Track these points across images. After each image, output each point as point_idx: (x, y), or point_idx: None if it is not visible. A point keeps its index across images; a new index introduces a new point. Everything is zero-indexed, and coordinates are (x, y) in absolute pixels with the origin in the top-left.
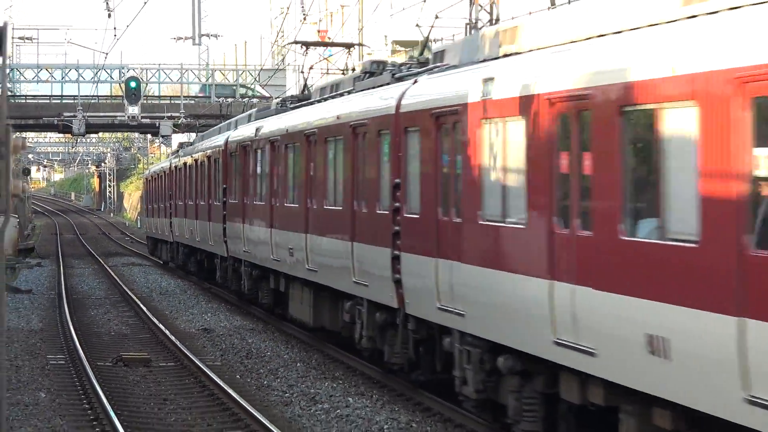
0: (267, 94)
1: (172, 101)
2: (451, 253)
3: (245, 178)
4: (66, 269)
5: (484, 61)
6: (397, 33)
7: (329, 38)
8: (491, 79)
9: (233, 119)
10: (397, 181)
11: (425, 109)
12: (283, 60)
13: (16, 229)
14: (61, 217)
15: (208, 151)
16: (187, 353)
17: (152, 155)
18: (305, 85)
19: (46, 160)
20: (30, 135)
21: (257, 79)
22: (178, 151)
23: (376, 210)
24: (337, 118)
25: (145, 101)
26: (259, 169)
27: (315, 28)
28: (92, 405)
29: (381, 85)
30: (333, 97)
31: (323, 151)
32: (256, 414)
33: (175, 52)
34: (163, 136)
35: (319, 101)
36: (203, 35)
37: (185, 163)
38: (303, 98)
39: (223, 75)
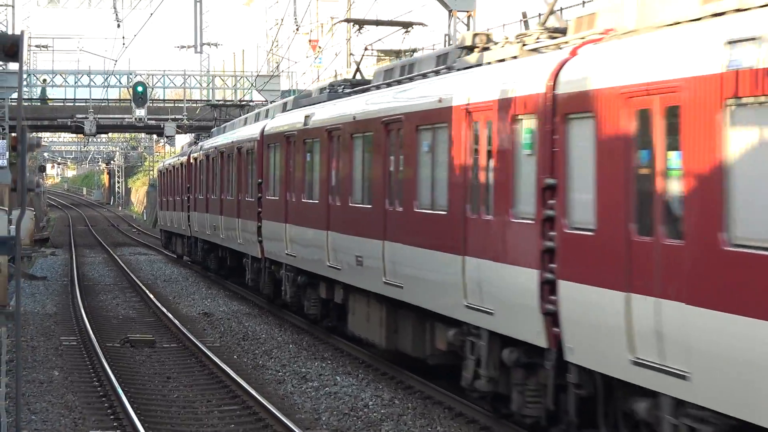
0: (263, 98)
1: (176, 104)
2: (662, 287)
3: (289, 173)
4: (78, 258)
5: (679, 22)
6: (380, 42)
7: (320, 47)
8: (751, 40)
9: (264, 108)
10: (551, 182)
11: (608, 88)
12: (277, 67)
13: (33, 220)
14: (74, 211)
15: (239, 142)
16: (189, 335)
17: (157, 153)
18: (357, 69)
19: (60, 158)
20: (45, 135)
21: (254, 84)
22: (196, 141)
23: (509, 218)
24: (439, 101)
25: (151, 104)
26: (309, 163)
27: (307, 38)
28: (102, 382)
29: (503, 60)
30: (411, 79)
31: (412, 141)
32: (251, 391)
33: (179, 59)
34: (167, 137)
35: (389, 84)
36: (204, 44)
37: (207, 155)
38: (359, 83)
39: (223, 81)
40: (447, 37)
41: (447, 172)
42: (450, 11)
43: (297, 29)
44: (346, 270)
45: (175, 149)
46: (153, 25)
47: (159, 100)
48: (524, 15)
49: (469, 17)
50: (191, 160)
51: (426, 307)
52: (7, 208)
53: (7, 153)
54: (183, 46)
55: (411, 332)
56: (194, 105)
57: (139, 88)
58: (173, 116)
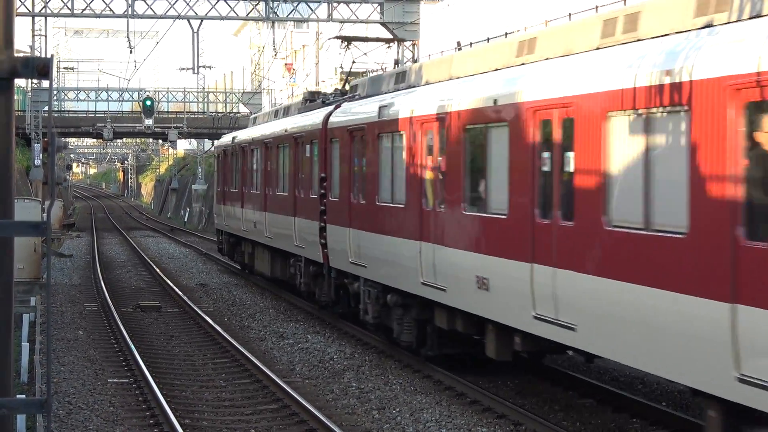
0: (248, 110)
1: (177, 115)
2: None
3: None
4: (98, 239)
5: None
6: (345, 66)
7: (294, 69)
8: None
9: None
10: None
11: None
12: (259, 85)
13: (61, 209)
14: (95, 201)
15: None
16: (188, 302)
17: (162, 155)
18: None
19: (83, 158)
20: (71, 140)
21: (240, 99)
22: (322, 100)
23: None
24: None
25: (157, 115)
26: None
27: (283, 62)
28: (118, 340)
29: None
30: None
31: None
32: (239, 347)
33: (180, 78)
34: (170, 141)
35: None
36: (200, 66)
37: (416, 131)
38: None
39: (215, 96)
40: (396, 62)
41: None
42: (399, 40)
43: (275, 55)
44: None
45: (177, 152)
46: (159, 51)
47: (164, 111)
48: (458, 44)
49: (414, 45)
50: (329, 138)
51: None
52: (40, 199)
53: (41, 154)
54: (183, 68)
55: None
56: (192, 116)
57: (148, 102)
58: (175, 125)
